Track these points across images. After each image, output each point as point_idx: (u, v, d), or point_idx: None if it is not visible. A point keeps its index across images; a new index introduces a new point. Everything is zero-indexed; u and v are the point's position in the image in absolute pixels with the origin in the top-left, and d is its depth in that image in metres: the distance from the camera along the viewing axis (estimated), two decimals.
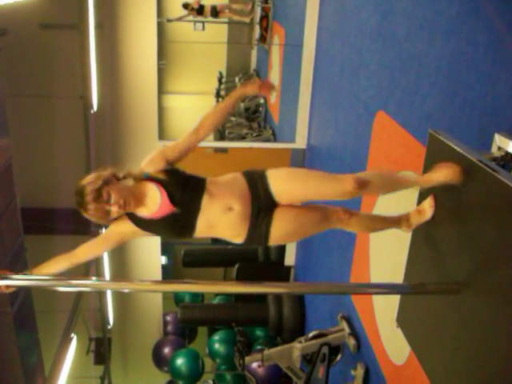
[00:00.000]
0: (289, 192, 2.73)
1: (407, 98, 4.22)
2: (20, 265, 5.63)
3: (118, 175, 2.63)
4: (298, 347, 5.59)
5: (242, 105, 13.26)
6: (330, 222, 2.92)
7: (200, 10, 11.65)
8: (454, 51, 3.45)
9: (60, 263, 2.74)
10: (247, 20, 12.40)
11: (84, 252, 2.78)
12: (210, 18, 11.90)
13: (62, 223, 7.56)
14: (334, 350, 5.63)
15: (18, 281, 2.46)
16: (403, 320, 3.15)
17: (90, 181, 2.58)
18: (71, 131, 7.55)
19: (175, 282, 2.92)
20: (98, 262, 7.73)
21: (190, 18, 11.74)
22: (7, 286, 2.46)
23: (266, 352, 5.74)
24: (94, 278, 2.72)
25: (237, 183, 2.73)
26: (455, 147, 2.44)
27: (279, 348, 5.88)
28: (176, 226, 2.65)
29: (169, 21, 12.06)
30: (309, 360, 5.67)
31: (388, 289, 3.05)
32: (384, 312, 4.72)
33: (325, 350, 5.47)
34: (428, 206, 2.75)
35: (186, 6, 11.70)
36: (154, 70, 7.96)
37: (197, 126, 2.88)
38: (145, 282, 2.79)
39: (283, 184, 2.72)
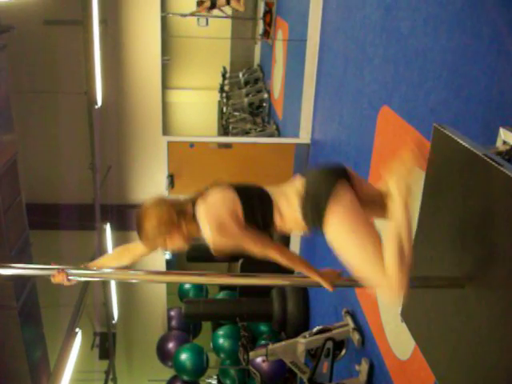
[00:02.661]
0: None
1: (411, 93, 4.22)
2: (25, 259, 5.65)
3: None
4: (302, 342, 5.60)
5: (245, 100, 13.27)
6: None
7: (213, 5, 11.73)
8: (458, 45, 3.44)
9: (119, 258, 2.86)
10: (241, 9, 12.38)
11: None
12: (220, 12, 12.00)
13: (67, 218, 7.59)
14: (339, 345, 5.63)
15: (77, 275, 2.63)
16: (408, 314, 3.15)
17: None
18: (76, 127, 7.57)
19: (180, 273, 2.94)
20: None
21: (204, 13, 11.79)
22: (68, 279, 2.56)
23: (271, 347, 5.75)
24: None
25: None
26: (460, 141, 2.44)
27: (283, 343, 5.89)
28: None
29: (183, 16, 12.08)
30: (313, 355, 5.67)
31: None
32: (388, 307, 4.73)
33: (329, 345, 5.48)
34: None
35: (199, 2, 11.79)
36: (158, 65, 7.97)
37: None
38: (152, 272, 2.81)
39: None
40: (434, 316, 2.80)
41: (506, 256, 2.11)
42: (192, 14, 11.75)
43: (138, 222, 2.70)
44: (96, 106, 6.82)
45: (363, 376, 5.16)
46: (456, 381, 2.60)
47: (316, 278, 2.72)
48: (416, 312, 3.03)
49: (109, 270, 2.76)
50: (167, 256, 10.38)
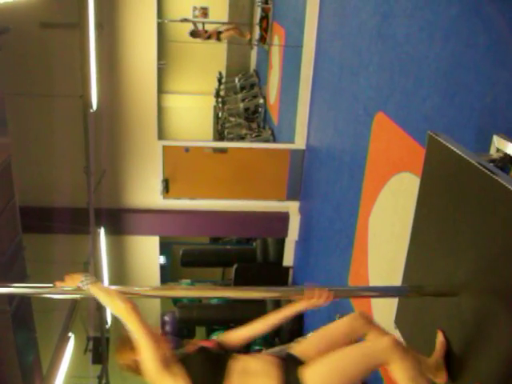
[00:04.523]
0: None
1: (406, 99, 4.22)
2: (18, 263, 5.63)
3: None
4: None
5: (241, 105, 13.28)
6: (374, 355, 2.53)
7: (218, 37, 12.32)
8: (453, 52, 3.45)
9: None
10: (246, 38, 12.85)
11: None
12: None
13: (61, 222, 7.55)
14: None
15: None
16: (401, 322, 3.15)
17: None
18: (70, 130, 7.54)
19: (174, 287, 2.94)
20: (96, 262, 7.72)
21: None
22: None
23: (264, 352, 5.72)
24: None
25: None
26: (454, 149, 2.44)
27: (277, 349, 5.85)
28: None
29: (182, 20, 12.46)
30: None
31: (386, 292, 3.06)
32: (382, 313, 4.72)
33: None
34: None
35: (193, 33, 12.21)
36: (153, 69, 7.95)
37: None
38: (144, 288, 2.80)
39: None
40: (427, 324, 2.80)
41: (499, 264, 2.11)
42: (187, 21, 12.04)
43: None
44: (91, 110, 6.80)
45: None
46: None
47: (303, 305, 2.69)
48: (409, 319, 3.03)
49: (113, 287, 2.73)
50: (161, 261, 10.38)
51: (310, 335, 2.85)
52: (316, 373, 2.52)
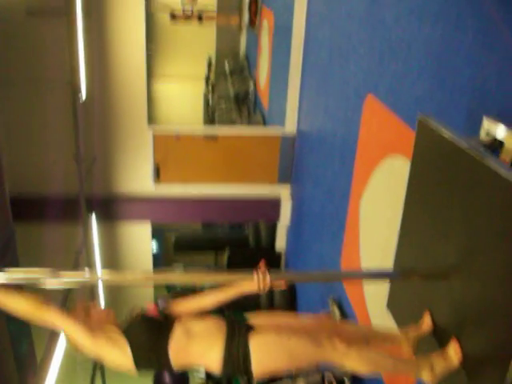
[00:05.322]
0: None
1: (396, 82, 4.22)
2: (9, 253, 5.61)
3: None
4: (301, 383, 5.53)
5: (231, 89, 13.24)
6: (323, 350, 2.59)
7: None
8: (442, 35, 3.44)
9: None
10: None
11: None
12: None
13: (52, 210, 7.54)
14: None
15: None
16: (393, 305, 3.16)
17: None
18: (60, 118, 7.50)
19: (167, 271, 2.95)
20: (88, 249, 7.72)
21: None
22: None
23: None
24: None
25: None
26: (444, 132, 2.44)
27: None
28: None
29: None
30: None
31: (377, 275, 3.07)
32: (374, 296, 4.75)
33: (329, 376, 5.35)
34: (453, 351, 2.40)
35: (173, 16, 12.28)
36: (142, 54, 7.90)
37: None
38: (136, 272, 2.79)
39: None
40: (419, 307, 2.81)
41: (489, 246, 2.12)
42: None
43: None
44: (80, 96, 6.76)
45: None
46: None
47: (246, 287, 2.70)
48: (401, 303, 3.04)
49: (100, 274, 2.75)
50: (154, 246, 10.38)
51: (272, 313, 2.91)
52: (264, 342, 2.59)
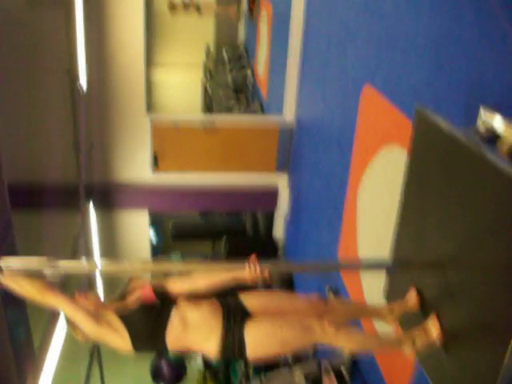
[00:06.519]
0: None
1: (394, 72, 4.22)
2: (7, 241, 5.62)
3: None
4: (298, 371, 5.55)
5: (229, 76, 13.21)
6: (313, 334, 2.76)
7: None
8: (440, 26, 3.44)
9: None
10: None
11: None
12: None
13: (50, 198, 7.53)
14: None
15: None
16: (390, 296, 3.18)
17: None
18: (59, 106, 7.49)
19: (164, 261, 3.03)
20: (86, 237, 7.73)
21: None
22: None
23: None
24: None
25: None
26: (441, 123, 2.45)
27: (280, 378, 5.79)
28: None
29: None
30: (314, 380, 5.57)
31: (374, 265, 3.09)
32: (372, 286, 4.76)
33: (325, 363, 5.38)
34: (432, 325, 2.62)
35: (172, 6, 12.29)
36: (141, 42, 7.88)
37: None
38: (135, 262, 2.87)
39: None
40: (419, 304, 2.83)
41: (485, 239, 2.14)
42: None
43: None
44: (79, 85, 6.75)
45: (347, 356, 5.19)
46: (435, 360, 2.64)
47: (240, 276, 2.82)
48: (398, 293, 3.06)
49: (98, 262, 2.83)
50: (152, 235, 10.38)
51: (264, 292, 3.09)
52: (258, 329, 2.75)
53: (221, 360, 2.76)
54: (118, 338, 2.67)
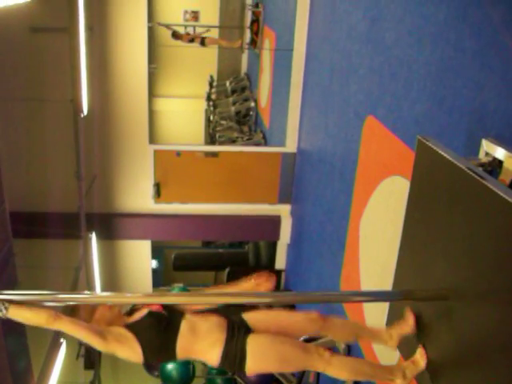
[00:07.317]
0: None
1: (396, 103, 4.24)
2: (9, 270, 5.60)
3: None
4: None
5: (232, 108, 13.28)
6: (311, 356, 2.86)
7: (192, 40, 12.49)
8: (441, 57, 3.46)
9: None
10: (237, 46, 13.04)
11: None
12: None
13: (52, 227, 7.53)
14: None
15: None
16: (392, 323, 3.15)
17: None
18: (61, 135, 7.52)
19: (166, 293, 3.12)
20: (87, 267, 7.70)
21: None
22: None
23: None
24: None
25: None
26: (443, 153, 2.45)
27: None
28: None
29: (160, 25, 12.52)
30: None
31: (377, 296, 3.07)
32: (374, 316, 4.73)
33: None
34: (420, 356, 2.74)
35: (174, 35, 12.38)
36: (144, 73, 7.94)
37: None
38: (135, 294, 2.93)
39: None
40: (418, 327, 2.81)
41: (489, 268, 2.12)
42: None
43: None
44: (82, 114, 6.78)
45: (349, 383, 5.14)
46: None
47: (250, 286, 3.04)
48: (399, 319, 3.04)
49: (105, 294, 2.89)
50: (153, 265, 10.34)
51: (266, 310, 3.14)
52: (259, 345, 2.85)
53: (221, 369, 3.01)
54: (128, 350, 2.77)
